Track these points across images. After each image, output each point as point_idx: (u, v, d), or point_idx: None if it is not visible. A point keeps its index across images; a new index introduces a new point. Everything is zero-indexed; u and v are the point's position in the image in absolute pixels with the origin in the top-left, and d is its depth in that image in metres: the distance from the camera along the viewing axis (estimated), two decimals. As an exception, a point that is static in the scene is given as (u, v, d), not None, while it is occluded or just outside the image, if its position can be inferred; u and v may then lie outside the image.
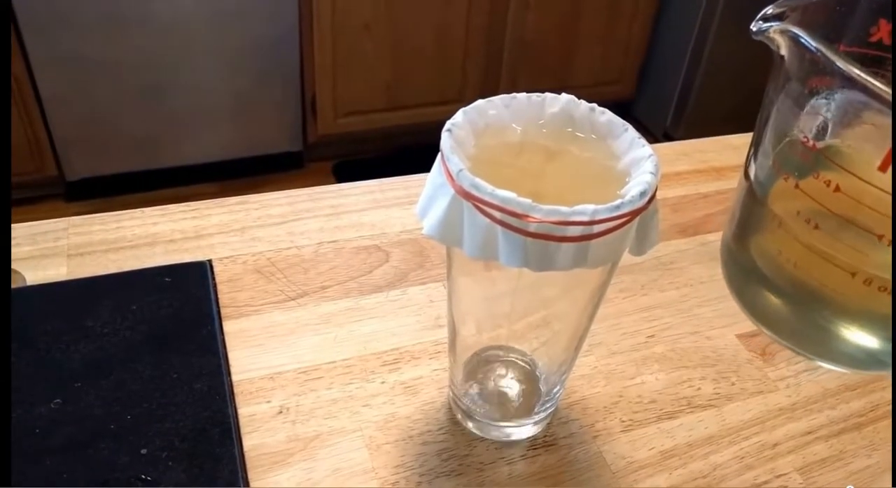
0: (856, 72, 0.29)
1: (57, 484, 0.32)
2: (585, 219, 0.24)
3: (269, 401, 0.37)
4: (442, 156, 0.27)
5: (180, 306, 0.40)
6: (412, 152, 1.98)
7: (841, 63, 0.30)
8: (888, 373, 0.41)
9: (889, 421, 0.39)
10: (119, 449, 0.33)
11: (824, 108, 0.35)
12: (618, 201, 0.25)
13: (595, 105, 0.30)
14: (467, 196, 0.25)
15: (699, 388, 0.39)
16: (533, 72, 2.12)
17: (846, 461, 0.37)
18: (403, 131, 2.05)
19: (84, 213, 0.47)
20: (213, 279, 0.43)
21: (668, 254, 0.48)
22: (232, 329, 0.40)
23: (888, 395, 0.40)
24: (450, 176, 0.26)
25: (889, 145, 0.30)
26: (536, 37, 2.04)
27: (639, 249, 0.28)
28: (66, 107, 1.72)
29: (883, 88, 0.28)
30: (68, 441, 0.33)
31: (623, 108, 2.31)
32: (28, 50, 1.60)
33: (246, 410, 0.36)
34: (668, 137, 2.20)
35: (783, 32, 0.33)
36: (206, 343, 0.38)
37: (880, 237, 0.32)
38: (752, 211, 0.40)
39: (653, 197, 0.26)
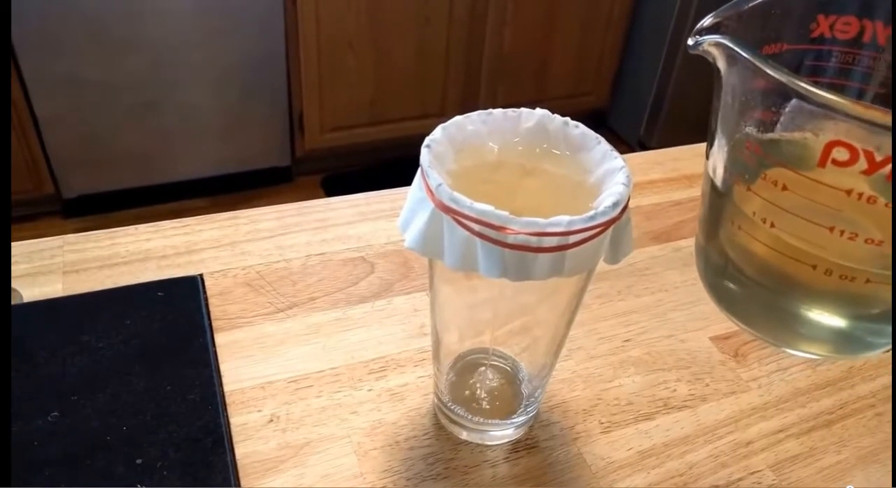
0: (786, 77, 0.31)
1: (55, 494, 0.33)
2: (561, 229, 0.25)
3: (260, 410, 0.38)
4: (422, 171, 0.28)
5: (173, 319, 0.41)
6: (400, 164, 1.99)
7: (771, 70, 0.31)
8: (861, 356, 0.42)
9: (857, 419, 0.40)
10: (115, 459, 0.34)
11: (762, 112, 0.36)
12: (592, 212, 0.26)
13: (568, 119, 0.31)
14: (447, 210, 0.26)
15: (675, 390, 0.41)
16: (511, 85, 2.14)
17: (817, 457, 0.38)
18: (389, 145, 2.06)
19: (81, 230, 0.47)
20: (205, 293, 0.44)
21: (643, 260, 0.49)
22: (223, 341, 0.41)
23: (856, 393, 0.41)
24: (429, 190, 0.27)
25: (826, 140, 0.32)
26: (514, 51, 2.06)
27: (613, 258, 0.29)
28: (61, 127, 1.73)
29: (812, 90, 0.30)
30: (66, 452, 0.34)
31: (598, 118, 2.33)
32: (24, 73, 1.62)
33: (238, 419, 0.37)
34: (643, 146, 2.22)
35: (717, 45, 0.34)
36: (198, 355, 0.39)
37: (831, 229, 0.34)
38: (715, 209, 0.42)
39: (625, 207, 0.27)
